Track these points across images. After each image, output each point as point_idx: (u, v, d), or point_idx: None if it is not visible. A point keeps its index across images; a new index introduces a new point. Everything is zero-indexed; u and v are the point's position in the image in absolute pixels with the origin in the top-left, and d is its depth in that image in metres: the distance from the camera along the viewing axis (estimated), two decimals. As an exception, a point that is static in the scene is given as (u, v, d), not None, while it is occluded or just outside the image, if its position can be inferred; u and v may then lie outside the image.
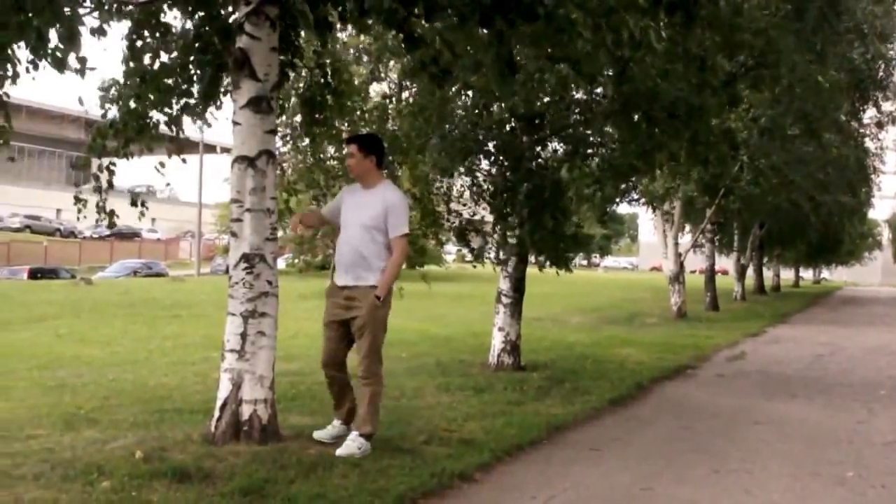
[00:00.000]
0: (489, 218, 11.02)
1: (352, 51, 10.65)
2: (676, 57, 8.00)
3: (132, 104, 6.76)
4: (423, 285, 11.92)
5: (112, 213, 7.31)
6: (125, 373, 10.04)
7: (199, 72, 6.65)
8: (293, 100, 8.60)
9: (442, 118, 9.83)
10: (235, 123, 5.91)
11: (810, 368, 12.39)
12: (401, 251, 5.90)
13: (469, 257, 11.24)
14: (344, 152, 6.17)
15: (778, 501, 5.29)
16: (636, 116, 9.52)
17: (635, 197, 22.48)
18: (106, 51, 6.28)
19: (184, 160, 7.83)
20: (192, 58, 6.58)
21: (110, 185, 7.18)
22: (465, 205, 11.24)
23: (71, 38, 4.91)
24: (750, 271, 36.47)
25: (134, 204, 7.45)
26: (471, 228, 10.89)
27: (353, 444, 5.70)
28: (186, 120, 7.06)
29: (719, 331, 17.73)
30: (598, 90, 10.01)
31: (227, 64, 6.27)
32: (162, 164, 7.41)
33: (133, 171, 7.75)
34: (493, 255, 10.92)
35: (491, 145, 10.49)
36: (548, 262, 10.35)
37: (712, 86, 9.01)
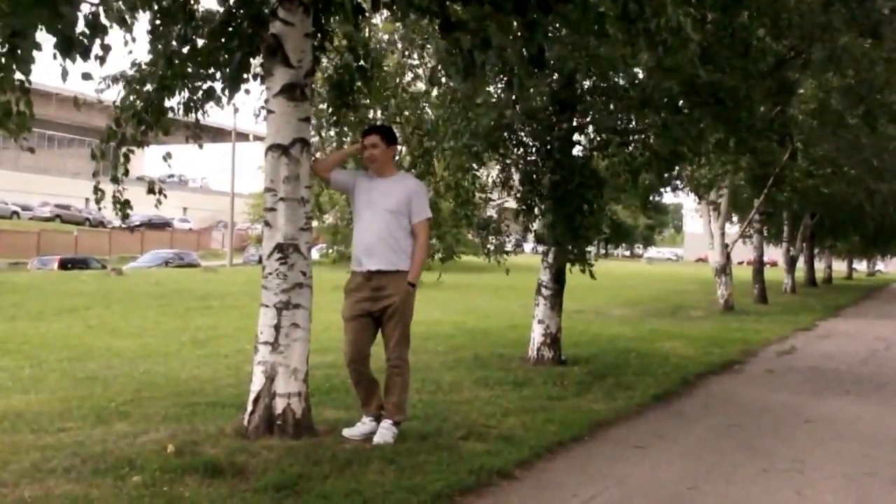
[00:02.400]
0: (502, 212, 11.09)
1: (385, 36, 10.65)
2: (720, 43, 7.90)
3: (150, 89, 6.79)
4: (460, 276, 11.92)
5: (126, 204, 7.35)
6: (156, 365, 10.16)
7: (226, 57, 6.67)
8: (320, 84, 8.60)
9: (473, 105, 9.80)
10: (269, 111, 5.94)
11: (864, 364, 12.22)
12: (426, 235, 6.08)
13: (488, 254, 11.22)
14: (364, 142, 6.12)
15: (831, 503, 5.22)
16: (679, 102, 9.43)
17: (680, 185, 22.28)
18: (135, 41, 6.30)
19: (200, 146, 7.85)
20: (219, 43, 6.61)
21: (126, 172, 7.21)
22: (488, 199, 11.23)
23: (96, 27, 4.95)
24: (800, 263, 36.02)
25: (151, 192, 7.47)
26: (486, 226, 10.87)
27: (388, 433, 5.84)
28: (216, 109, 7.11)
29: (768, 324, 17.56)
30: (640, 75, 9.93)
31: (256, 50, 6.30)
32: (169, 155, 7.42)
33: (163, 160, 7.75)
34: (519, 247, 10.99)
35: (522, 134, 10.45)
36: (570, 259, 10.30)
37: (759, 71, 8.89)
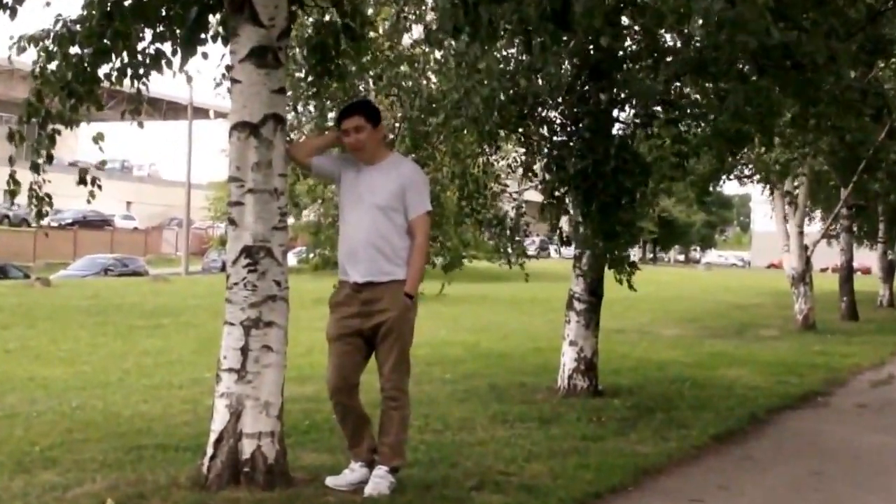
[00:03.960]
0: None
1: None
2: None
3: (81, 52, 6.76)
4: (472, 286, 11.94)
5: (43, 201, 7.30)
6: (93, 399, 10.16)
7: (179, 11, 6.66)
8: (297, 47, 8.59)
9: (487, 71, 9.77)
10: (234, 81, 5.95)
11: (981, 397, 12.17)
12: (425, 234, 6.05)
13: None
14: (342, 127, 6.06)
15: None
16: (745, 67, 9.41)
17: (747, 173, 22.22)
18: None
19: (141, 125, 7.83)
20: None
21: (49, 158, 7.11)
22: (503, 190, 11.24)
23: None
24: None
25: (83, 182, 7.35)
26: (499, 223, 10.88)
27: (383, 482, 5.82)
28: (166, 77, 7.08)
29: (859, 347, 17.47)
30: (697, 33, 9.92)
31: (218, 3, 6.31)
32: (101, 136, 7.29)
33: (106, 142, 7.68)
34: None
35: (547, 108, 10.44)
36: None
37: (847, 27, 8.86)
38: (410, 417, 6.31)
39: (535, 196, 11.30)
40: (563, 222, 10.59)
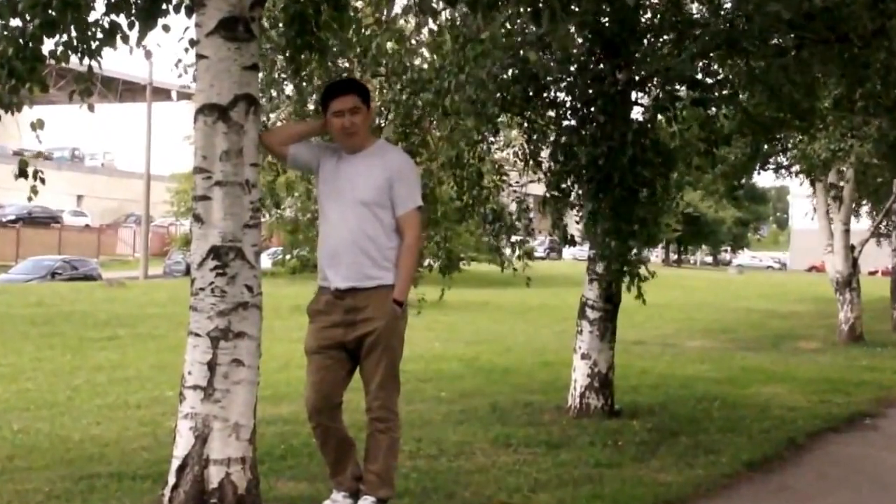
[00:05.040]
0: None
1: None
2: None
3: (19, 24, 6.74)
4: (471, 292, 11.93)
5: None
6: (38, 421, 10.15)
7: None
8: (273, 18, 8.59)
9: (491, 40, 9.75)
10: (200, 57, 5.94)
11: None
12: (417, 233, 6.04)
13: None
14: (333, 110, 6.01)
15: None
16: (781, 42, 9.41)
17: (784, 162, 22.20)
18: None
19: (91, 108, 7.78)
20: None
21: None
22: (502, 180, 11.24)
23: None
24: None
25: (23, 175, 7.28)
26: (498, 219, 10.88)
27: (368, 516, 5.80)
28: (121, 53, 7.07)
29: (913, 361, 17.51)
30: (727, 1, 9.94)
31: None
32: (40, 123, 7.19)
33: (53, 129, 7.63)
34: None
35: (556, 88, 10.44)
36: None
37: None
38: (401, 441, 6.30)
39: (539, 189, 11.28)
40: (569, 218, 10.58)
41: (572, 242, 10.64)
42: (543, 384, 12.54)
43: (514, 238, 11.05)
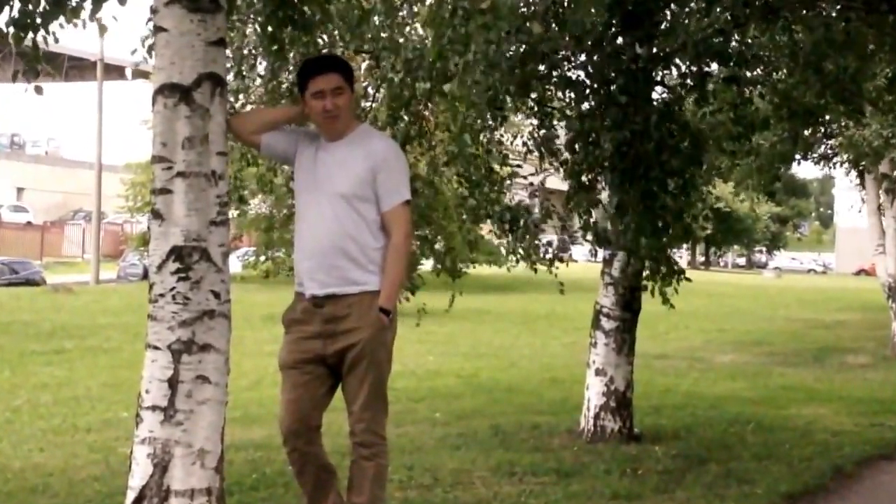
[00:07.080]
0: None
1: None
2: None
3: None
4: (470, 299, 11.93)
5: None
6: (-27, 446, 10.15)
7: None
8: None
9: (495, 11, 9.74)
10: (159, 29, 5.92)
11: None
12: (405, 231, 6.00)
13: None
14: (312, 91, 5.98)
15: None
16: (824, 9, 9.42)
17: (829, 152, 22.21)
18: None
19: (39, 90, 7.79)
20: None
21: None
22: (513, 173, 11.23)
23: None
24: None
25: None
26: (516, 218, 10.88)
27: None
28: (69, 27, 7.07)
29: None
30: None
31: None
32: None
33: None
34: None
35: (571, 65, 10.45)
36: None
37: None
38: (389, 469, 6.31)
39: (553, 184, 11.28)
40: (598, 215, 10.53)
41: (608, 241, 10.50)
42: (552, 404, 12.56)
43: (543, 240, 10.96)
